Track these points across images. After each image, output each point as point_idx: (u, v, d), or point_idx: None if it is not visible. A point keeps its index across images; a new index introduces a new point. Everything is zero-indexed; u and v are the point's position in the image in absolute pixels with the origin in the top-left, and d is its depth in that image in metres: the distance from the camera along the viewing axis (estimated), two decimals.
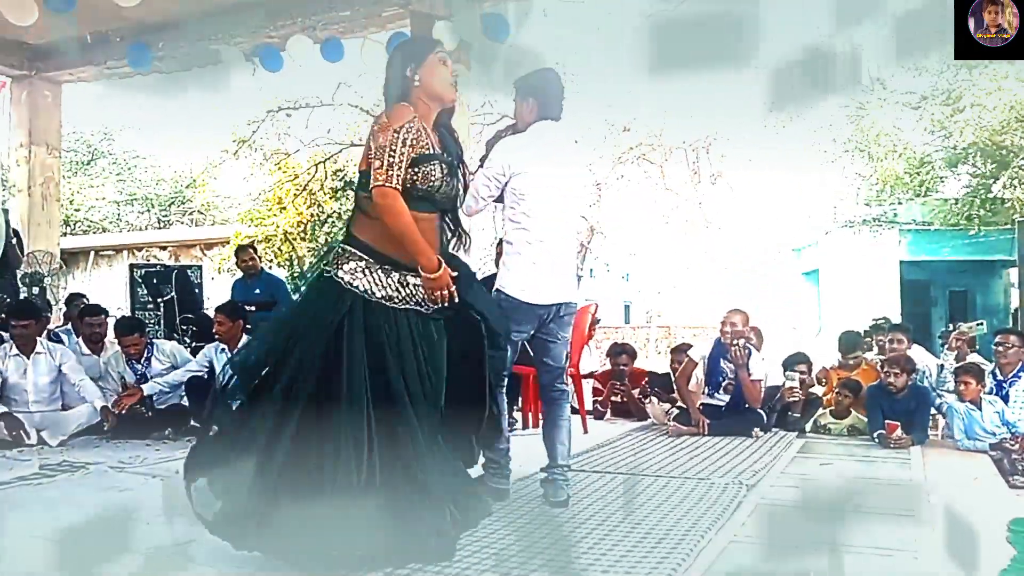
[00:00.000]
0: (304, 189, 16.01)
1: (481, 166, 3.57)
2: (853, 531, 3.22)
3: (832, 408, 5.85)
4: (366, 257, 2.77)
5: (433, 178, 2.83)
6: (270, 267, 14.15)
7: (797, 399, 5.66)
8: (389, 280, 2.78)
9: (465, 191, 3.26)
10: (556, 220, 3.56)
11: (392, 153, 2.73)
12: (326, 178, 15.95)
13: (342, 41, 7.72)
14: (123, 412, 5.50)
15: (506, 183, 3.53)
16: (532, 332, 3.60)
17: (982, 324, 6.13)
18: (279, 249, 15.68)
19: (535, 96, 3.64)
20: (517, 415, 6.15)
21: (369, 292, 2.74)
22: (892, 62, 14.36)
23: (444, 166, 2.87)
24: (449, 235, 3.05)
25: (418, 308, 2.81)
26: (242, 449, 2.64)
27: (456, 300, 2.82)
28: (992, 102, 12.21)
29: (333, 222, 16.22)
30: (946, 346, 6.05)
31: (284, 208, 15.95)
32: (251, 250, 7.34)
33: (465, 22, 7.02)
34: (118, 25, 8.23)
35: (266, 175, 16.63)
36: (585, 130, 15.97)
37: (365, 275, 2.76)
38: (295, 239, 16.13)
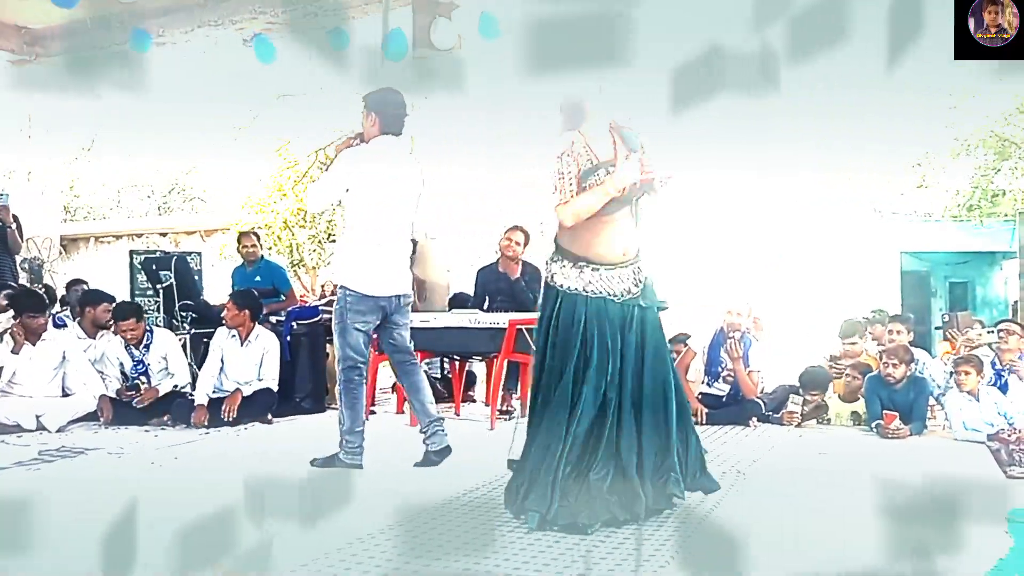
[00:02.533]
0: (305, 176, 15.95)
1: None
2: (850, 520, 3.23)
3: (842, 393, 5.80)
4: (570, 261, 3.29)
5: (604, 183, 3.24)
6: (270, 254, 14.13)
7: (796, 423, 5.61)
8: (582, 274, 3.27)
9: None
10: (391, 223, 4.06)
11: (563, 176, 3.27)
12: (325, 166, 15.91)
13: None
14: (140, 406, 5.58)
15: (347, 189, 4.03)
16: (378, 321, 4.11)
17: (992, 331, 6.07)
18: (279, 237, 15.64)
19: (377, 112, 4.08)
20: (516, 403, 6.17)
21: (572, 287, 3.25)
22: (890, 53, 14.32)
23: (609, 170, 3.28)
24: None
25: (614, 298, 3.27)
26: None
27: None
28: (993, 91, 12.18)
29: (333, 209, 16.15)
30: (947, 344, 6.00)
31: (284, 195, 15.89)
32: (254, 236, 7.32)
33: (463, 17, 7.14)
34: (118, 9, 8.20)
35: (266, 162, 16.56)
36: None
37: (576, 275, 3.27)
38: (295, 227, 16.08)
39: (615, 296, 3.28)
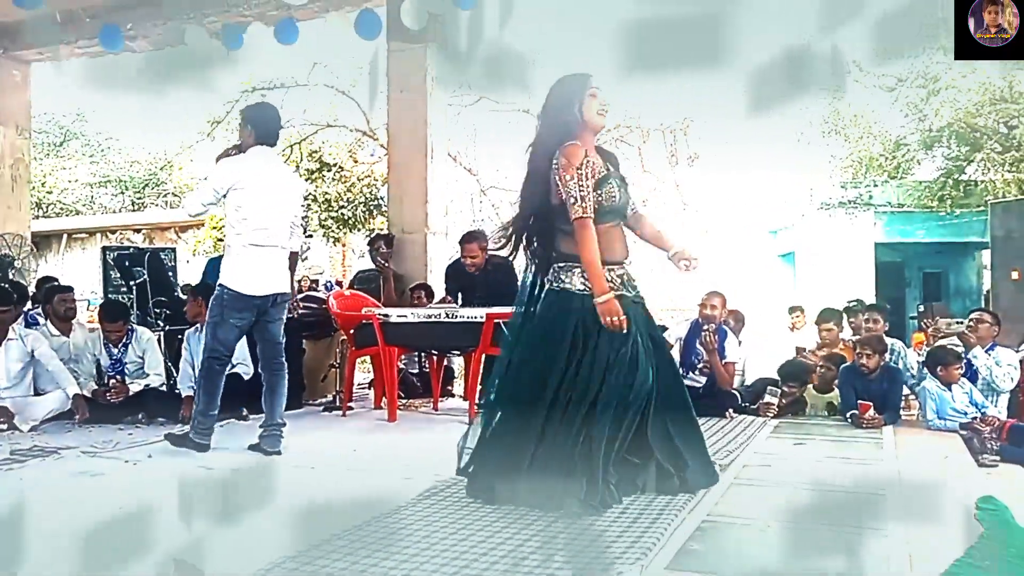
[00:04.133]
0: None
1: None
2: (825, 509, 3.26)
3: (817, 384, 5.85)
4: (579, 264, 3.37)
5: (614, 194, 3.40)
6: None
7: (771, 415, 5.64)
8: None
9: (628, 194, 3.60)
10: (267, 227, 4.33)
11: (582, 188, 3.31)
12: (301, 159, 15.78)
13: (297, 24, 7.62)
14: (113, 401, 5.53)
15: (224, 195, 4.30)
16: (253, 319, 4.41)
17: (961, 322, 6.14)
18: None
19: (253, 124, 4.42)
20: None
21: (582, 289, 3.35)
22: (869, 45, 14.45)
23: (617, 181, 3.46)
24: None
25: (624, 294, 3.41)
26: (516, 440, 3.28)
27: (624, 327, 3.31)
28: (967, 84, 12.31)
29: (309, 205, 16.06)
30: (921, 334, 6.06)
31: None
32: None
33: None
34: (88, 4, 8.09)
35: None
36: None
37: (584, 277, 3.35)
38: None
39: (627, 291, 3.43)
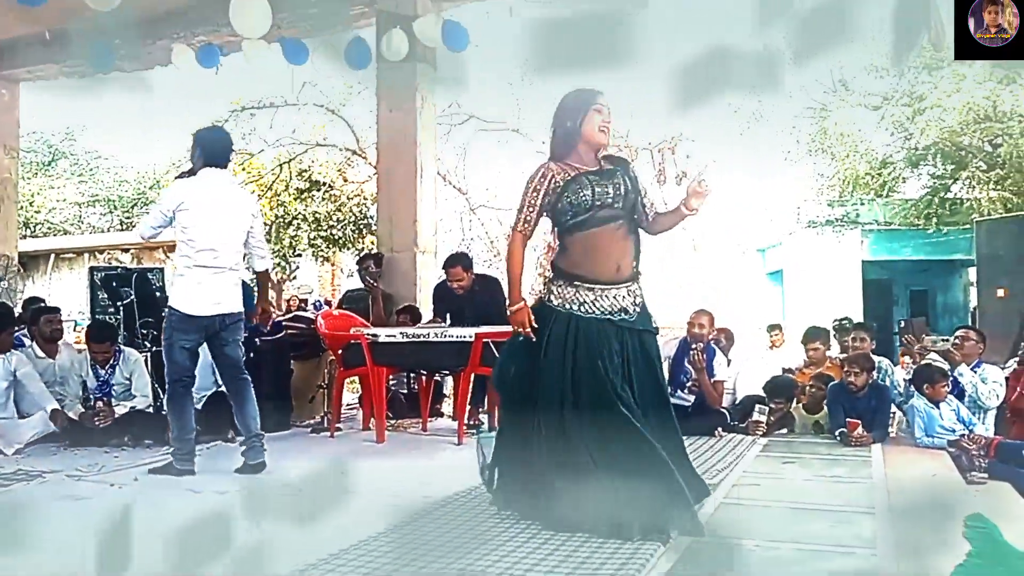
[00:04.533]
0: (269, 190, 15.84)
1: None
2: (814, 528, 3.26)
3: (806, 403, 5.85)
4: (563, 280, 3.37)
5: (584, 195, 3.31)
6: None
7: (760, 434, 5.64)
8: (581, 294, 3.33)
9: (630, 197, 3.47)
10: (215, 248, 4.35)
11: (523, 202, 3.41)
12: (291, 179, 15.78)
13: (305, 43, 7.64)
14: (99, 425, 5.45)
15: (172, 217, 4.34)
16: (201, 339, 4.44)
17: (947, 340, 6.17)
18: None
19: (201, 147, 4.48)
20: (484, 416, 6.15)
21: (568, 306, 3.33)
22: (855, 63, 14.60)
23: (592, 178, 3.35)
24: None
25: (610, 317, 3.33)
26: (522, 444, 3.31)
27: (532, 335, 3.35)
28: (952, 103, 12.43)
29: (299, 224, 16.05)
30: (905, 356, 6.08)
31: None
32: None
33: (429, 24, 7.03)
34: (77, 24, 8.10)
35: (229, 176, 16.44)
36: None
37: (572, 294, 3.34)
38: None
39: (611, 315, 3.31)
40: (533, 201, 3.38)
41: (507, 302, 3.42)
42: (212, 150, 4.49)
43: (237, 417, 4.60)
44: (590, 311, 3.32)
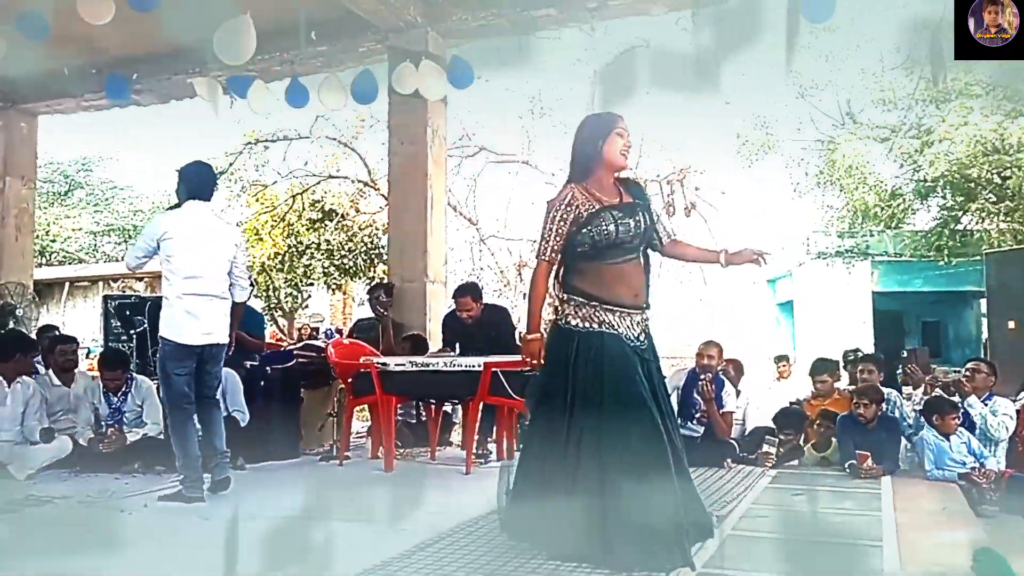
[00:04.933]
0: (282, 220, 15.98)
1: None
2: (822, 561, 3.25)
3: (815, 442, 5.82)
4: (583, 300, 3.34)
5: (608, 230, 3.33)
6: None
7: (770, 465, 5.63)
8: (601, 314, 3.33)
9: (648, 231, 3.52)
10: (202, 278, 4.48)
11: (547, 229, 3.38)
12: (304, 209, 15.93)
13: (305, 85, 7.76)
14: (105, 450, 5.50)
15: (157, 247, 4.49)
16: (195, 366, 4.54)
17: (957, 372, 6.13)
18: (256, 280, 15.62)
19: (184, 181, 4.66)
20: (492, 446, 6.15)
21: (591, 326, 3.30)
22: (863, 96, 14.69)
23: (616, 214, 3.36)
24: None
25: (630, 341, 3.34)
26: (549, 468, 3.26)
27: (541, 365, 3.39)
28: (960, 135, 12.48)
29: (312, 253, 16.17)
30: (911, 383, 6.03)
31: (261, 239, 15.89)
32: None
33: (438, 60, 7.15)
34: (95, 58, 8.26)
35: (243, 207, 16.58)
36: (564, 163, 16.10)
37: (587, 314, 3.33)
38: (272, 270, 16.05)
39: (629, 339, 3.33)
40: (560, 230, 3.36)
41: (517, 330, 3.44)
42: (195, 184, 4.66)
43: (204, 436, 4.66)
44: (614, 331, 3.32)
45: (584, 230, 3.34)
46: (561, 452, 3.20)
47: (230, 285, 4.71)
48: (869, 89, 14.28)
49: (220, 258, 4.62)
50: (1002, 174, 12.96)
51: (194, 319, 4.47)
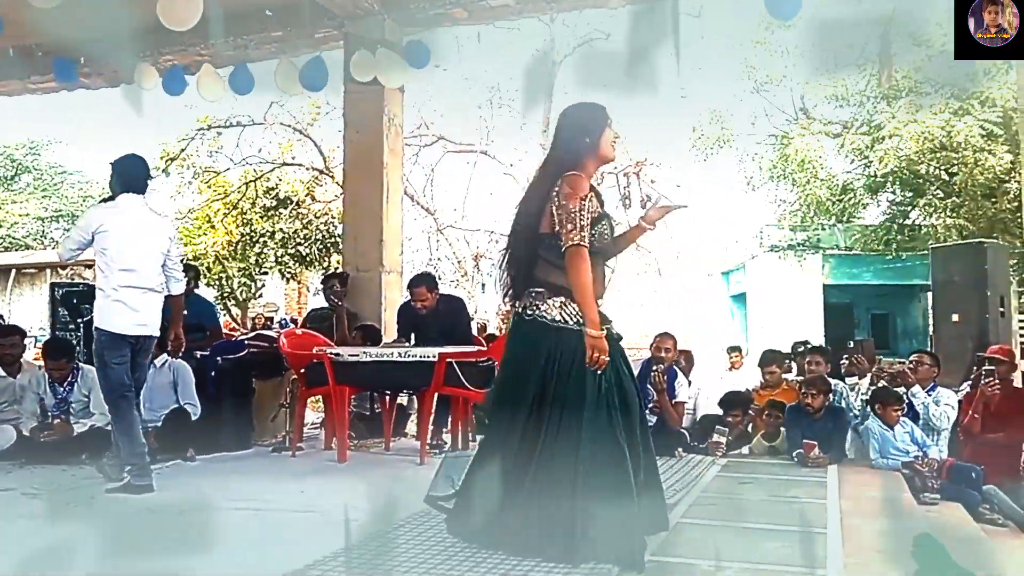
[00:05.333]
0: (235, 208, 15.77)
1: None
2: (767, 547, 3.32)
3: (764, 432, 5.92)
4: (562, 296, 3.26)
5: (605, 234, 3.35)
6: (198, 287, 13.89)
7: (720, 454, 5.71)
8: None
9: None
10: (135, 270, 4.52)
11: (582, 218, 3.20)
12: (257, 197, 15.73)
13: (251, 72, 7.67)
14: (45, 440, 5.41)
15: (91, 240, 4.50)
16: (131, 355, 4.55)
17: (903, 363, 6.27)
18: (208, 269, 15.39)
19: (118, 174, 4.70)
20: (447, 436, 6.16)
21: (568, 321, 3.23)
22: (816, 92, 14.93)
23: (608, 221, 3.38)
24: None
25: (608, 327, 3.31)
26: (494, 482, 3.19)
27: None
28: (909, 133, 12.75)
29: (265, 242, 15.99)
30: (856, 373, 6.14)
31: (214, 227, 15.67)
32: (191, 271, 7.17)
33: (395, 48, 7.12)
34: (42, 40, 8.05)
35: (195, 193, 16.32)
36: (522, 153, 16.15)
37: (563, 309, 3.25)
38: (225, 259, 15.84)
39: (608, 327, 3.30)
40: (586, 216, 3.21)
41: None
42: (129, 177, 4.70)
43: (120, 442, 4.53)
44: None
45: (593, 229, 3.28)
46: (531, 446, 3.14)
47: (166, 279, 4.74)
48: (822, 85, 14.51)
49: (154, 251, 4.67)
50: (949, 170, 13.28)
51: (129, 310, 4.51)
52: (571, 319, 3.23)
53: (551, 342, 3.22)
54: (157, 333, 4.72)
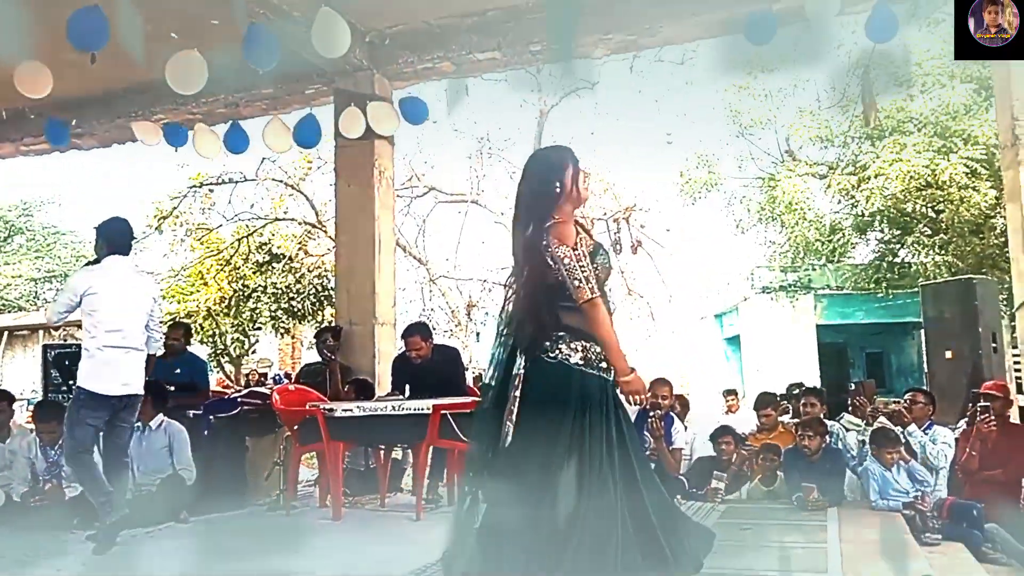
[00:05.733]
0: (228, 264, 15.79)
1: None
2: None
3: (761, 476, 5.88)
4: (583, 340, 3.21)
5: (607, 265, 3.35)
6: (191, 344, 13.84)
7: (719, 500, 5.67)
8: (600, 356, 3.24)
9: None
10: (120, 330, 4.60)
11: (584, 269, 3.17)
12: (250, 252, 15.77)
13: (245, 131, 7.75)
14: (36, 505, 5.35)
15: (79, 303, 4.59)
16: (108, 416, 4.62)
17: (898, 402, 6.28)
18: (201, 326, 15.35)
19: (104, 238, 4.80)
20: (443, 491, 6.09)
21: (590, 367, 3.21)
22: (802, 134, 15.15)
23: (603, 249, 3.37)
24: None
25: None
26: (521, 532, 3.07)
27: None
28: (894, 171, 12.90)
29: (259, 297, 15.99)
30: (859, 415, 6.14)
31: (206, 283, 15.67)
32: (181, 329, 7.18)
33: (383, 112, 7.22)
34: (33, 103, 8.13)
35: (187, 251, 16.35)
36: (513, 201, 16.21)
37: (586, 352, 3.22)
38: (218, 315, 15.82)
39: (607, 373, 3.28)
40: (586, 264, 3.17)
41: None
42: (114, 239, 4.81)
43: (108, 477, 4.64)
44: (609, 374, 3.26)
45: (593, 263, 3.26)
46: (572, 495, 3.03)
47: (147, 338, 4.83)
48: (807, 127, 14.71)
49: (140, 312, 4.78)
50: (936, 208, 13.41)
51: (114, 370, 4.59)
52: (593, 365, 3.22)
53: (578, 385, 3.19)
54: (141, 392, 4.79)
